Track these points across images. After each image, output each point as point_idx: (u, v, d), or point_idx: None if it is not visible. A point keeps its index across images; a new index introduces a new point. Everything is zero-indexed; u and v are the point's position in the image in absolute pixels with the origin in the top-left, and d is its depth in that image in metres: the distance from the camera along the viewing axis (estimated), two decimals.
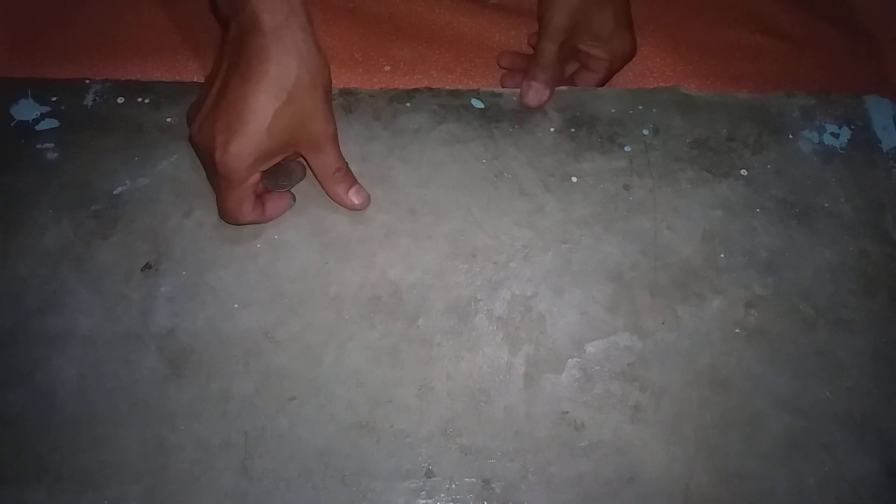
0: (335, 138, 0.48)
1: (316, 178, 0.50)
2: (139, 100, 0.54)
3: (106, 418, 0.43)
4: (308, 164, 0.49)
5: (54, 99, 0.54)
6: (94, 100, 0.54)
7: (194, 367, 0.45)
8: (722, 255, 0.49)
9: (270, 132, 0.45)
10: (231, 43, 0.45)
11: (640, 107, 0.54)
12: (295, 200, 0.50)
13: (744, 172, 0.52)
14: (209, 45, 0.56)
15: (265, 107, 0.44)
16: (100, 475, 0.42)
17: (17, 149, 0.52)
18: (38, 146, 0.52)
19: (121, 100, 0.54)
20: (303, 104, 0.45)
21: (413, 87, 0.55)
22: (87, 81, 0.54)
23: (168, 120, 0.53)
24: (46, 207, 0.49)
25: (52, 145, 0.52)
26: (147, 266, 0.48)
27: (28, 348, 0.45)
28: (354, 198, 0.49)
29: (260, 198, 0.48)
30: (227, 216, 0.48)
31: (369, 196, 0.50)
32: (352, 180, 0.50)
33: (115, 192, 0.50)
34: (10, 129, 0.52)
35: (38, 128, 0.52)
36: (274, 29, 0.44)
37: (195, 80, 0.55)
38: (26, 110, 0.53)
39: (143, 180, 0.51)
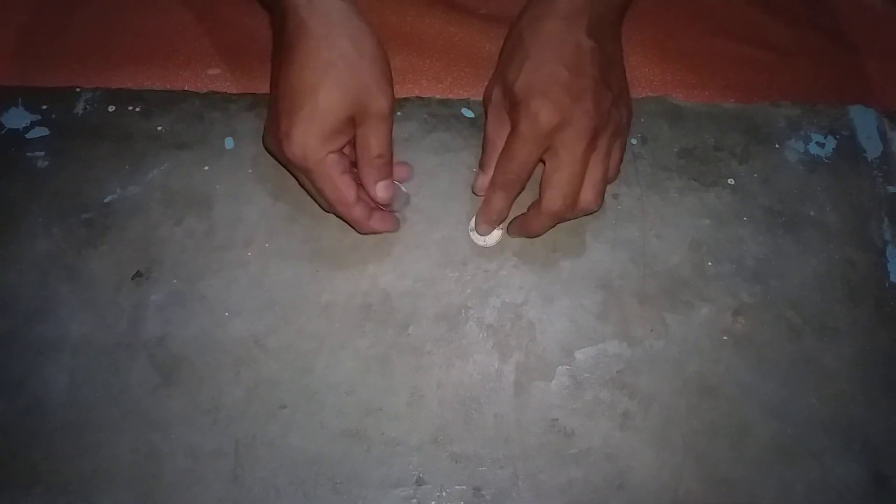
0: (385, 117, 0.45)
1: (355, 155, 0.46)
2: (130, 108, 0.54)
3: (97, 426, 0.43)
4: (355, 141, 0.46)
5: (45, 107, 0.54)
6: (85, 108, 0.54)
7: (185, 375, 0.45)
8: (710, 264, 0.49)
9: (325, 108, 0.43)
10: (275, 30, 0.45)
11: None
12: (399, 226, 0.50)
13: (731, 181, 0.52)
14: (200, 53, 0.56)
15: (313, 83, 0.42)
16: (91, 483, 0.42)
17: (7, 157, 0.51)
18: (28, 154, 0.52)
19: (111, 108, 0.54)
20: (352, 75, 0.43)
21: (403, 96, 0.56)
22: (78, 90, 0.54)
23: (159, 128, 0.53)
24: (37, 216, 0.49)
25: (42, 154, 0.52)
26: (138, 274, 0.48)
27: (19, 356, 0.45)
28: (380, 191, 0.46)
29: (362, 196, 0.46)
30: (336, 207, 0.46)
31: (396, 220, 0.49)
32: (387, 172, 0.46)
33: (105, 201, 0.50)
34: (0, 137, 0.52)
35: (28, 136, 0.52)
36: (308, 2, 0.43)
37: (186, 88, 0.55)
38: (17, 119, 0.53)
39: (133, 189, 0.51)
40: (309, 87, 0.43)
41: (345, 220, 0.48)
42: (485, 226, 0.49)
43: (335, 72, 0.43)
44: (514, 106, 0.46)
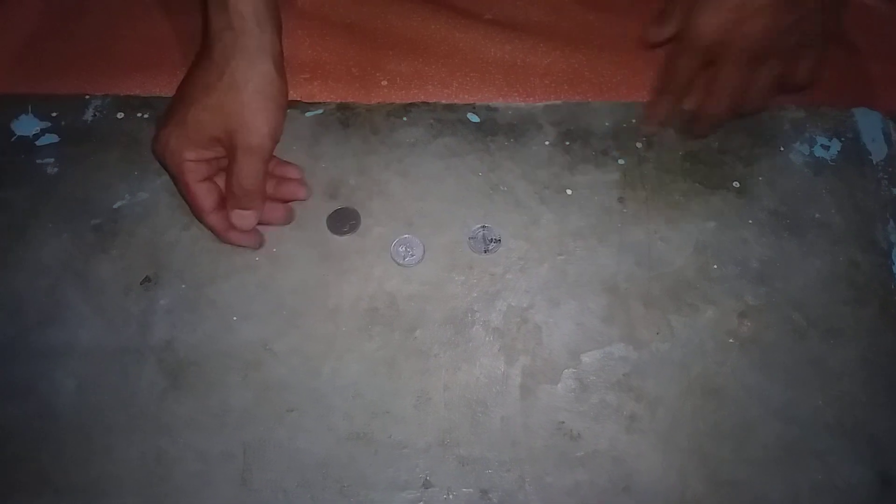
0: (252, 152, 0.46)
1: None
2: (138, 115, 0.54)
3: (106, 430, 0.44)
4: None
5: (54, 114, 0.54)
6: (94, 115, 0.54)
7: (193, 379, 0.45)
8: (715, 266, 0.50)
9: (193, 120, 0.46)
10: (202, 51, 0.48)
11: (634, 120, 0.55)
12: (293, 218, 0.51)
13: (736, 184, 0.53)
14: None
15: (192, 97, 0.46)
16: (100, 487, 0.42)
17: (17, 164, 0.52)
18: (38, 161, 0.52)
19: (120, 115, 0.54)
20: (230, 103, 0.46)
21: (410, 101, 0.56)
22: (87, 97, 0.55)
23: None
24: (46, 222, 0.50)
25: (52, 160, 0.52)
26: (146, 279, 0.48)
27: (28, 361, 0.46)
28: (235, 219, 0.48)
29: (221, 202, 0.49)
30: (193, 213, 0.49)
31: (259, 237, 0.49)
32: (247, 203, 0.48)
33: (114, 207, 0.51)
34: (10, 144, 0.53)
35: (38, 143, 0.53)
36: (218, 31, 0.46)
37: None
38: (27, 126, 0.54)
39: (142, 194, 0.51)
40: (187, 99, 0.47)
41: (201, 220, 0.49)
42: (647, 123, 0.54)
43: (216, 95, 0.46)
44: (684, 16, 0.50)
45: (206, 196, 0.48)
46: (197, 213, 0.49)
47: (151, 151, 0.50)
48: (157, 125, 0.49)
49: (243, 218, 0.48)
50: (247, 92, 0.46)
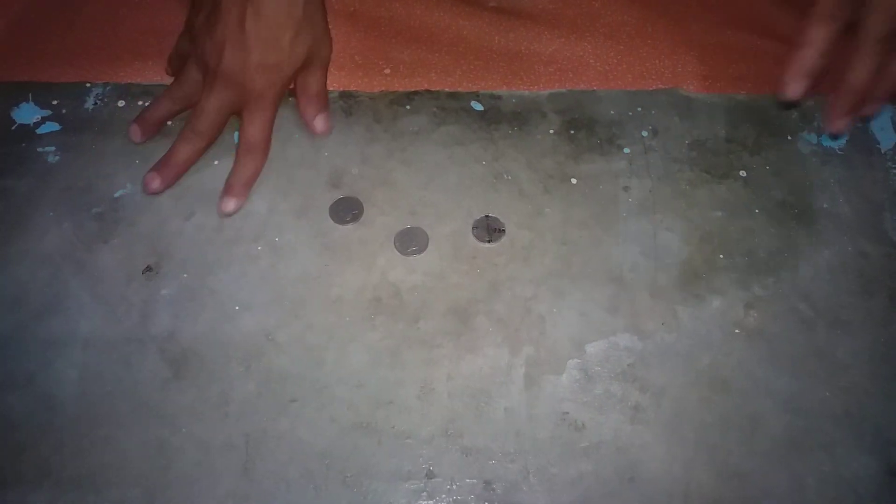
0: (325, 64, 0.53)
1: (295, 94, 0.53)
2: (140, 103, 0.54)
3: (107, 420, 0.43)
4: (295, 81, 0.53)
5: (55, 102, 0.54)
6: (95, 103, 0.54)
7: (195, 369, 0.45)
8: (721, 256, 0.49)
9: (291, 58, 0.50)
10: None
11: (639, 108, 0.55)
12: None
13: (742, 174, 0.52)
14: None
15: (285, 36, 0.49)
16: (101, 477, 0.42)
17: (18, 152, 0.52)
18: (39, 150, 0.52)
19: (121, 103, 0.54)
20: (310, 29, 0.50)
21: (413, 89, 0.56)
22: (88, 85, 0.55)
23: (169, 123, 0.53)
24: (47, 211, 0.50)
25: (53, 149, 0.52)
26: (148, 269, 0.48)
27: (29, 351, 0.45)
28: (319, 123, 0.53)
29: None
30: (253, 146, 0.50)
31: (330, 126, 0.54)
32: (325, 106, 0.53)
33: (115, 196, 0.50)
34: (11, 132, 0.53)
35: (39, 131, 0.53)
36: None
37: None
38: (27, 114, 0.53)
39: None
40: (281, 37, 0.49)
41: (243, 156, 0.51)
42: (832, 126, 0.51)
43: (300, 26, 0.49)
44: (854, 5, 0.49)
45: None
46: (263, 139, 0.51)
47: (221, 70, 0.49)
48: (236, 46, 0.48)
49: (325, 121, 0.53)
50: (319, 13, 0.51)
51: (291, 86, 0.53)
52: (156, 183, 0.50)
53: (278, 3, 0.48)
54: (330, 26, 0.57)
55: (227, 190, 0.50)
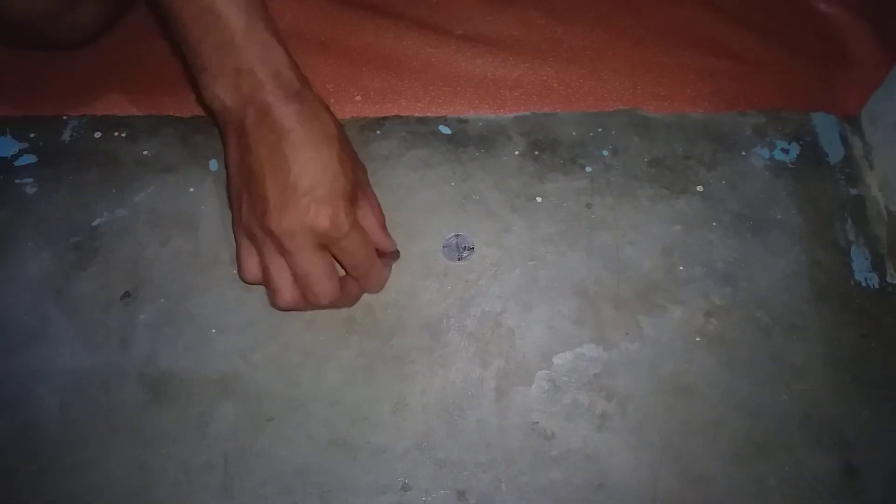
0: (369, 183, 0.50)
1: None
2: (115, 134, 0.55)
3: (88, 444, 0.44)
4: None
5: (32, 135, 0.55)
6: (72, 135, 0.55)
7: (174, 391, 0.46)
8: (681, 268, 0.51)
9: (345, 175, 0.44)
10: (257, 126, 0.44)
11: (600, 129, 0.57)
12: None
13: (700, 188, 0.54)
14: (184, 80, 0.58)
15: (332, 155, 0.44)
16: (84, 499, 0.43)
17: None
18: (17, 182, 0.53)
19: (98, 134, 0.55)
20: (347, 148, 0.46)
21: (383, 115, 0.57)
22: (65, 118, 0.56)
23: (144, 153, 0.54)
24: (26, 241, 0.51)
25: (30, 180, 0.53)
26: (126, 295, 0.49)
27: (10, 380, 0.46)
28: (375, 280, 0.49)
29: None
30: (366, 265, 0.47)
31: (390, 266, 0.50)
32: (387, 240, 0.50)
33: (93, 224, 0.51)
34: None
35: (16, 164, 0.54)
36: (296, 95, 0.44)
37: (171, 114, 0.56)
38: (5, 147, 0.54)
39: (120, 212, 0.52)
40: (328, 157, 0.44)
41: (359, 285, 0.48)
42: None
43: (342, 148, 0.45)
44: None
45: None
46: (371, 263, 0.47)
47: (282, 232, 0.43)
48: (284, 207, 0.43)
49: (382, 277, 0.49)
50: (345, 134, 0.47)
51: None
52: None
53: (314, 128, 0.44)
54: (302, 55, 0.58)
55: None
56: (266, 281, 0.46)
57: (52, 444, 0.44)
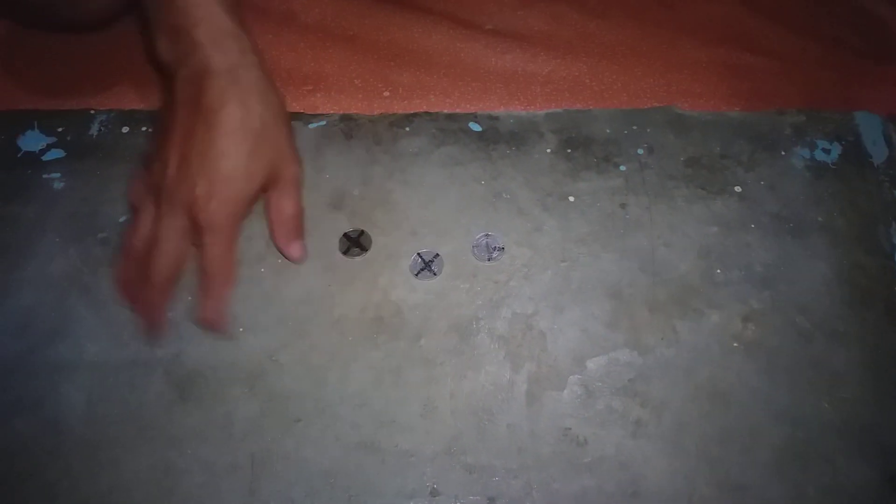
0: (296, 181, 0.49)
1: (267, 216, 0.49)
2: (143, 129, 0.55)
3: (114, 443, 0.44)
4: (266, 202, 0.49)
5: (60, 129, 0.55)
6: (100, 129, 0.55)
7: (200, 391, 0.45)
8: (718, 271, 0.50)
9: (248, 176, 0.45)
10: (184, 88, 0.44)
11: (635, 127, 0.55)
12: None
13: (738, 189, 0.53)
14: None
15: (239, 151, 0.44)
16: (108, 500, 0.42)
17: (23, 179, 0.53)
18: (44, 176, 0.53)
19: (125, 129, 0.55)
20: (271, 143, 0.46)
21: (412, 111, 0.56)
22: (92, 112, 0.56)
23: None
24: (53, 236, 0.50)
25: (58, 175, 0.53)
26: None
27: (36, 376, 0.46)
28: (294, 250, 0.48)
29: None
30: (216, 273, 0.46)
31: (305, 252, 0.49)
32: (299, 233, 0.49)
33: (121, 220, 0.51)
34: (16, 159, 0.53)
35: (44, 158, 0.53)
36: (229, 70, 0.44)
37: None
38: (32, 141, 0.54)
39: None
40: (236, 155, 0.44)
41: (207, 288, 0.47)
42: None
43: (259, 142, 0.45)
44: None
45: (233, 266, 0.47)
46: (227, 272, 0.47)
47: (171, 199, 0.44)
48: (176, 172, 0.44)
49: (300, 248, 0.49)
50: (280, 125, 0.46)
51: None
52: (152, 336, 0.46)
53: (230, 115, 0.44)
54: (329, 50, 0.57)
55: (205, 324, 0.47)
56: (134, 225, 0.47)
57: (75, 444, 0.44)
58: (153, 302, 0.46)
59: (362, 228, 0.51)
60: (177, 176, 0.45)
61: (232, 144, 0.44)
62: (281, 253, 0.49)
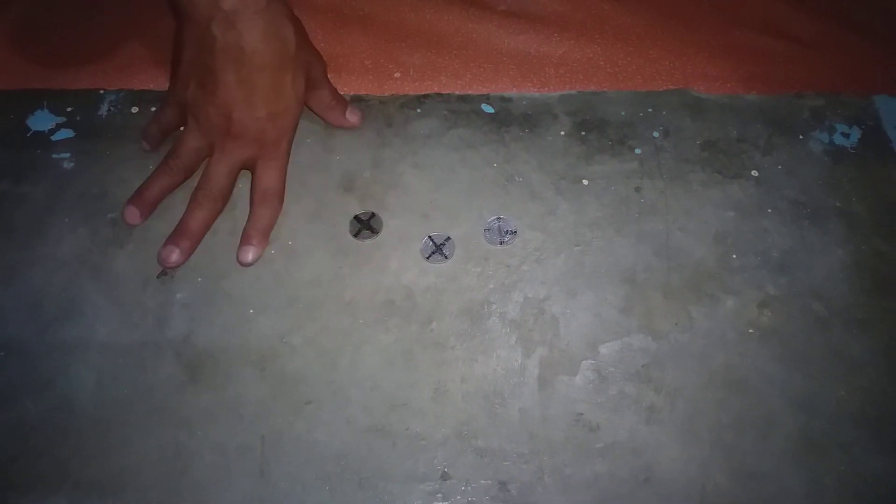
0: (326, 74, 0.53)
1: (313, 110, 0.54)
2: (153, 109, 0.54)
3: (124, 424, 0.44)
4: (307, 103, 0.53)
5: (69, 109, 0.54)
6: (109, 110, 0.54)
7: (211, 372, 0.45)
8: (734, 256, 0.49)
9: (296, 87, 0.50)
10: (223, 34, 0.46)
11: (650, 109, 0.55)
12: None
13: (754, 173, 0.52)
14: None
15: (295, 81, 0.49)
16: (119, 481, 0.42)
17: (33, 159, 0.52)
18: (53, 156, 0.52)
19: (135, 109, 0.54)
20: (303, 61, 0.50)
21: (423, 92, 0.56)
22: (102, 92, 0.55)
23: (181, 128, 0.53)
24: (63, 216, 0.50)
25: (67, 155, 0.52)
26: (163, 273, 0.48)
27: (47, 356, 0.46)
28: (351, 116, 0.54)
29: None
30: (271, 195, 0.50)
31: (362, 113, 0.54)
32: (346, 103, 0.54)
33: None
34: (26, 139, 0.53)
35: (53, 138, 0.53)
36: (265, 8, 0.46)
37: None
38: (42, 121, 0.54)
39: None
40: (291, 83, 0.49)
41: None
42: None
43: (298, 66, 0.49)
44: None
45: None
46: (282, 193, 0.51)
47: (229, 127, 0.49)
48: (245, 100, 0.48)
49: (354, 111, 0.54)
50: (305, 38, 0.50)
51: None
52: (174, 256, 0.48)
53: (272, 50, 0.47)
54: (340, 31, 0.57)
55: (246, 239, 0.49)
56: (172, 151, 0.51)
57: (86, 424, 0.44)
58: (152, 192, 0.50)
59: (373, 211, 0.50)
60: (240, 111, 0.48)
61: (279, 76, 0.48)
62: (344, 127, 0.54)
